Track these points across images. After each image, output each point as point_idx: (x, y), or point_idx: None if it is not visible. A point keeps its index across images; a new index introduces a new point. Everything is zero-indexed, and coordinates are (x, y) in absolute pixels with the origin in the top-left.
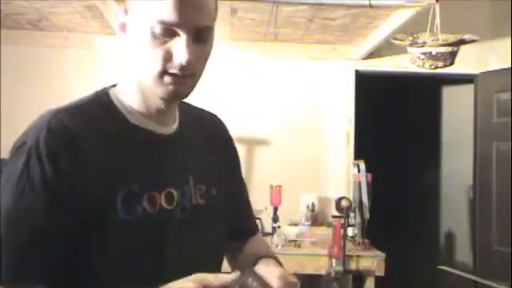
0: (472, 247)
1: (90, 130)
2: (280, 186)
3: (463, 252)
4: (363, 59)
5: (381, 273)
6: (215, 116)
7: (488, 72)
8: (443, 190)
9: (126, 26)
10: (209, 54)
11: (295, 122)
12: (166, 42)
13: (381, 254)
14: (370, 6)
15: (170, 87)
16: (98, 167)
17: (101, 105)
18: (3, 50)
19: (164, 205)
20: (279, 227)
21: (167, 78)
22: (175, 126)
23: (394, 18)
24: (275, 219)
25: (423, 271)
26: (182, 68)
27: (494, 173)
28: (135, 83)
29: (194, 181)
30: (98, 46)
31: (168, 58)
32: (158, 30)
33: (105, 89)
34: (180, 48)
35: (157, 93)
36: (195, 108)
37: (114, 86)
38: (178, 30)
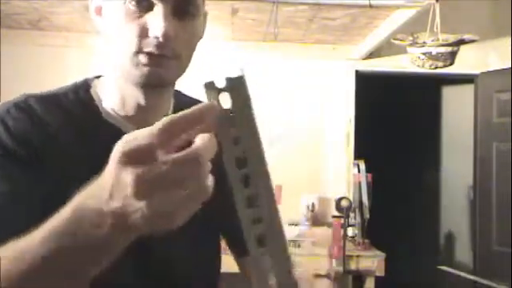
0: (472, 247)
1: (59, 120)
2: (280, 186)
3: (463, 252)
4: (363, 59)
5: (381, 273)
6: None
7: (488, 72)
8: (443, 190)
9: (102, 8)
10: (196, 35)
11: (295, 121)
12: (141, 17)
13: (381, 254)
14: (370, 5)
15: (145, 69)
16: (62, 155)
17: (78, 99)
18: (3, 49)
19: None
20: None
21: (142, 58)
22: None
23: (393, 18)
24: None
25: (423, 271)
26: (159, 45)
27: (493, 173)
28: (113, 78)
29: None
30: (97, 46)
31: (143, 33)
32: (132, 2)
33: (87, 81)
34: (156, 20)
35: (132, 78)
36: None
37: (98, 77)
38: (155, 1)
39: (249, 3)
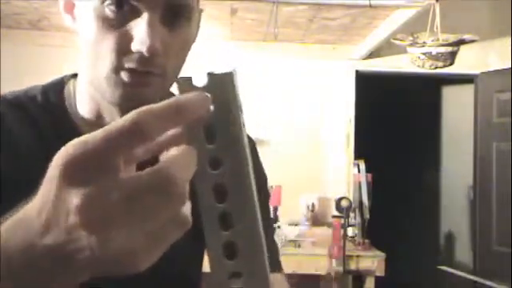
0: (472, 247)
1: (24, 132)
2: (280, 186)
3: (463, 252)
4: (363, 59)
5: (381, 273)
6: None
7: (488, 72)
8: (443, 190)
9: (74, 6)
10: (189, 42)
11: (295, 121)
12: (123, 25)
13: (381, 254)
14: (370, 5)
15: (126, 89)
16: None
17: (47, 104)
18: (3, 49)
19: None
20: (279, 227)
21: (123, 75)
22: None
23: (393, 18)
24: (275, 219)
25: (423, 271)
26: (144, 60)
27: (493, 173)
28: (86, 87)
29: None
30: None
31: (125, 46)
32: (111, 6)
33: (62, 82)
34: (140, 31)
35: (110, 98)
36: None
37: (76, 75)
38: (139, 6)
39: (248, 3)
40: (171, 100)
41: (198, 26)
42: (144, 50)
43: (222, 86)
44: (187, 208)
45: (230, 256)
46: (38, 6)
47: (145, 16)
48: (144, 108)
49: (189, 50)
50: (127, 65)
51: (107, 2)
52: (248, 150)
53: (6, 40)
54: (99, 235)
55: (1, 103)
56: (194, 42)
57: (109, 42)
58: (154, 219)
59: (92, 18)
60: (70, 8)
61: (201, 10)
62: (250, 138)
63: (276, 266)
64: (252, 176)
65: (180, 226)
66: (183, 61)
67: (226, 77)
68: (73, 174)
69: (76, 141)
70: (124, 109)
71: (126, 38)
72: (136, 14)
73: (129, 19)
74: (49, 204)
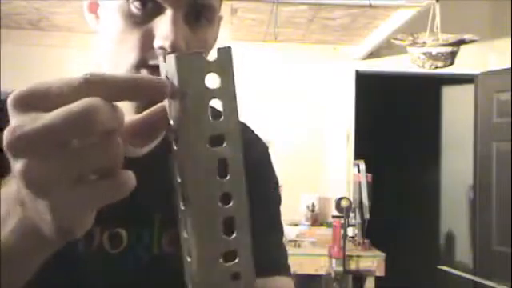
0: (472, 247)
1: None
2: (280, 186)
3: (463, 252)
4: (363, 59)
5: (381, 273)
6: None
7: (488, 72)
8: (443, 190)
9: (98, 6)
10: (209, 45)
11: (295, 121)
12: (146, 22)
13: (381, 254)
14: (370, 5)
15: None
16: None
17: None
18: (3, 49)
19: (106, 247)
20: None
21: (145, 72)
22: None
23: (393, 18)
24: None
25: (423, 271)
26: (165, 56)
27: (494, 173)
28: None
29: (160, 222)
30: (96, 46)
31: (148, 43)
32: (136, 3)
33: None
34: (164, 28)
35: None
36: None
37: None
38: (164, 3)
39: (248, 3)
40: (127, 76)
41: (217, 31)
42: (167, 45)
43: (225, 61)
44: (127, 176)
45: (228, 259)
46: (38, 5)
47: (168, 13)
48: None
49: (208, 52)
50: (150, 62)
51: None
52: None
53: (6, 40)
54: (24, 159)
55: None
56: (213, 45)
57: (132, 39)
58: (86, 162)
59: (117, 15)
60: (94, 8)
61: (221, 17)
62: (263, 143)
63: (284, 270)
64: (243, 170)
65: (115, 187)
66: None
67: (227, 51)
68: (17, 104)
69: (29, 119)
70: (142, 105)
71: (149, 35)
72: (160, 11)
73: (153, 16)
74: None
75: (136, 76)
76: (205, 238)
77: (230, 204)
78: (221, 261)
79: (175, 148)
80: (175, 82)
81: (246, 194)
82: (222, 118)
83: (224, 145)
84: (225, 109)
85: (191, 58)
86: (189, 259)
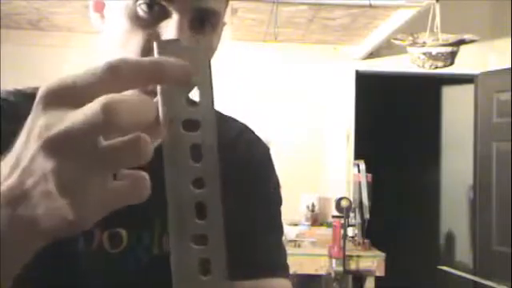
0: (472, 247)
1: None
2: (280, 187)
3: (463, 252)
4: (363, 59)
5: (381, 273)
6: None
7: (488, 72)
8: (443, 190)
9: (104, 6)
10: (213, 50)
11: (295, 121)
12: (152, 25)
13: (381, 254)
14: (370, 5)
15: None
16: None
17: None
18: (3, 49)
19: (106, 246)
20: None
21: None
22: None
23: (393, 18)
24: None
25: (423, 271)
26: None
27: (494, 173)
28: None
29: (161, 223)
30: (98, 45)
31: (152, 45)
32: (143, 6)
33: None
34: (169, 32)
35: None
36: None
37: None
38: (170, 8)
39: (248, 3)
40: (152, 59)
41: (220, 38)
42: None
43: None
44: (145, 182)
45: (199, 243)
46: (38, 5)
47: (174, 17)
48: (126, 58)
49: (211, 57)
50: None
51: (139, 2)
52: (215, 131)
53: (6, 40)
54: (56, 160)
55: (17, 95)
56: (214, 51)
57: (137, 41)
58: (116, 162)
59: (123, 17)
60: (100, 8)
61: (224, 23)
62: (263, 144)
63: (282, 271)
64: (217, 160)
65: (134, 191)
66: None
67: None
68: (50, 101)
69: (56, 117)
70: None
71: (154, 39)
72: (166, 15)
73: (159, 20)
74: (18, 145)
75: (160, 59)
76: (176, 221)
77: (202, 189)
78: (191, 245)
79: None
80: None
81: (218, 181)
82: (199, 104)
83: (198, 132)
84: (201, 96)
85: (169, 42)
86: None
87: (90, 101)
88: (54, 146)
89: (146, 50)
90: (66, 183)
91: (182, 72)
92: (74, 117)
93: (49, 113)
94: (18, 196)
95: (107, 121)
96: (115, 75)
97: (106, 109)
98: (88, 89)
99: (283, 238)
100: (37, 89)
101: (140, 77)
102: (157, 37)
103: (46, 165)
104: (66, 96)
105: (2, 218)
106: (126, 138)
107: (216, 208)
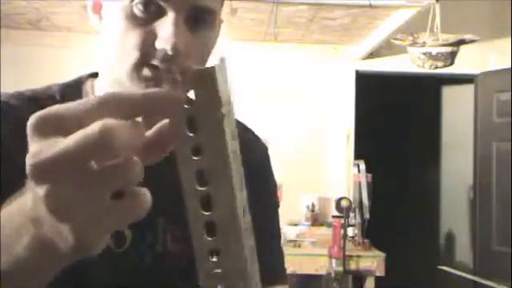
0: (472, 247)
1: None
2: (280, 186)
3: (463, 252)
4: (363, 59)
5: (381, 273)
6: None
7: (488, 72)
8: (443, 190)
9: (102, 7)
10: (209, 49)
11: (295, 121)
12: (148, 24)
13: (381, 254)
14: (370, 5)
15: (147, 84)
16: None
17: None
18: (3, 49)
19: (110, 245)
20: None
21: (146, 71)
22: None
23: (394, 18)
24: None
25: (423, 271)
26: (167, 58)
27: (494, 173)
28: (108, 86)
29: (164, 222)
30: (98, 45)
31: (149, 43)
32: (139, 5)
33: (80, 81)
34: (165, 29)
35: None
36: None
37: (94, 75)
38: (166, 6)
39: (248, 3)
40: (145, 92)
41: (218, 35)
42: (168, 47)
43: (203, 81)
44: (144, 198)
45: (211, 234)
46: (38, 5)
47: (170, 16)
48: (119, 92)
49: (207, 55)
50: (150, 61)
51: (135, 1)
52: (229, 139)
53: (5, 40)
54: (48, 186)
55: (18, 98)
56: (212, 49)
57: (134, 39)
58: (107, 184)
59: (120, 16)
60: (97, 9)
61: (221, 21)
62: (262, 144)
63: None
64: (231, 162)
65: (133, 207)
66: (202, 65)
67: (208, 72)
68: (39, 173)
69: (46, 144)
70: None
71: (151, 36)
72: (162, 13)
73: (155, 18)
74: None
75: (151, 91)
76: (191, 216)
77: (207, 186)
78: (204, 236)
79: None
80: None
81: (230, 175)
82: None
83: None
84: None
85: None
86: None
87: (79, 130)
88: (42, 172)
89: (143, 47)
90: (59, 208)
91: (174, 105)
92: (65, 143)
93: (39, 141)
94: (35, 219)
95: (103, 144)
96: (105, 109)
97: (104, 132)
98: (78, 120)
99: (283, 237)
100: (36, 91)
101: (131, 111)
102: (153, 35)
103: (37, 191)
104: (55, 124)
105: (25, 239)
106: (116, 160)
107: (225, 200)
